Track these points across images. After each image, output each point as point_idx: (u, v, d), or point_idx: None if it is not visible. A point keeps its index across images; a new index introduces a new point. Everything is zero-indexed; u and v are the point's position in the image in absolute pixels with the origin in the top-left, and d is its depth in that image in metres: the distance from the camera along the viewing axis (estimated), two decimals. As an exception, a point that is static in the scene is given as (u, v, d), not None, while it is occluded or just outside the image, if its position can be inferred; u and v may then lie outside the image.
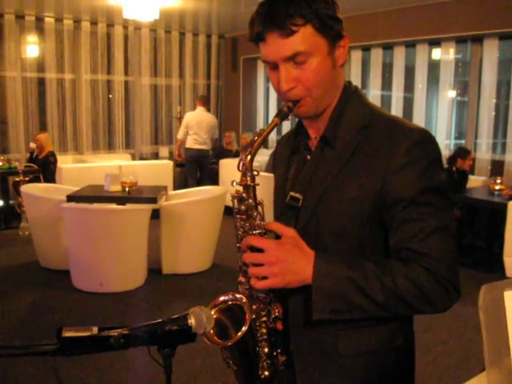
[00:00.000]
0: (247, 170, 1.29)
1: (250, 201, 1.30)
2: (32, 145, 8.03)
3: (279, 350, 1.39)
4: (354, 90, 1.40)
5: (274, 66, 1.30)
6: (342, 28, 1.31)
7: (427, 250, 1.23)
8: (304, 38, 1.24)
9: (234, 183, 1.31)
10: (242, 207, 1.31)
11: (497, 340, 0.92)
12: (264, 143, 1.33)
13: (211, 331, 1.24)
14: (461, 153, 6.69)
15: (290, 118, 1.34)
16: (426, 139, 1.28)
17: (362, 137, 1.31)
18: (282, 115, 1.30)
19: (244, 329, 1.26)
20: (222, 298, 1.31)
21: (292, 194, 1.39)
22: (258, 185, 1.31)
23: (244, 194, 1.30)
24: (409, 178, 1.25)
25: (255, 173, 1.30)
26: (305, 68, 1.27)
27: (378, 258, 1.31)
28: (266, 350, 1.36)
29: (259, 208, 1.31)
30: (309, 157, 1.42)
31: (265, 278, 1.25)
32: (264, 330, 1.35)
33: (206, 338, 1.24)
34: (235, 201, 1.33)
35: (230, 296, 1.31)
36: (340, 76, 1.37)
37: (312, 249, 1.29)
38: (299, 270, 1.25)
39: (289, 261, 1.24)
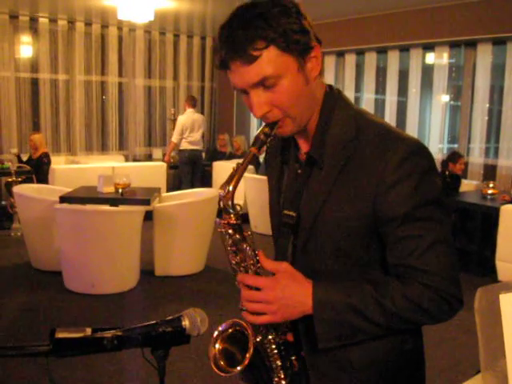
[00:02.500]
0: (228, 208, 1.26)
1: (237, 236, 1.28)
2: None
3: (294, 357, 1.38)
4: (336, 96, 1.34)
5: (245, 92, 1.24)
6: (311, 38, 1.22)
7: (425, 266, 1.21)
8: (269, 60, 1.16)
9: (218, 221, 1.29)
10: (230, 241, 1.29)
11: (492, 342, 0.92)
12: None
13: (221, 362, 1.24)
14: (452, 157, 6.71)
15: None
16: (415, 151, 1.24)
17: (350, 152, 1.26)
18: (259, 144, 1.24)
19: (250, 352, 1.26)
20: (220, 329, 1.31)
21: (286, 212, 1.37)
22: (240, 223, 1.28)
23: (230, 231, 1.28)
24: (401, 195, 1.21)
25: (238, 208, 1.28)
26: (276, 90, 1.20)
27: (377, 275, 1.30)
28: (279, 362, 1.36)
29: (248, 240, 1.29)
30: (300, 171, 1.38)
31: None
32: (273, 346, 1.35)
33: (218, 369, 1.25)
34: (224, 236, 1.30)
35: (226, 325, 1.32)
36: (317, 87, 1.30)
37: (312, 267, 1.29)
38: (298, 303, 1.24)
39: (286, 297, 1.23)
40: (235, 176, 1.25)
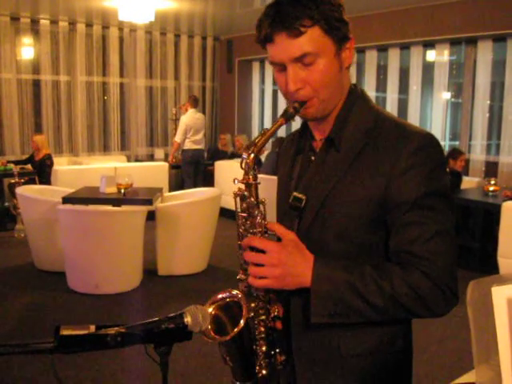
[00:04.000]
0: (250, 169, 1.29)
1: (252, 199, 1.30)
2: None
3: (278, 350, 1.39)
4: (359, 93, 1.40)
5: (281, 68, 1.30)
6: (349, 30, 1.31)
7: (427, 255, 1.23)
8: (312, 39, 1.24)
9: (236, 181, 1.32)
10: (244, 205, 1.31)
11: (485, 336, 0.94)
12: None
13: (208, 327, 1.25)
14: (453, 154, 6.71)
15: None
16: (431, 143, 1.29)
17: (368, 139, 1.31)
18: (287, 116, 1.30)
19: (241, 323, 1.27)
20: (220, 296, 1.33)
21: (295, 194, 1.39)
22: (259, 183, 1.31)
23: (246, 193, 1.31)
24: (412, 181, 1.25)
25: (257, 172, 1.31)
26: (312, 69, 1.27)
27: (378, 260, 1.32)
28: (264, 348, 1.36)
29: (261, 207, 1.31)
30: (313, 158, 1.42)
31: (264, 277, 1.26)
32: (262, 329, 1.36)
33: (204, 334, 1.26)
34: (237, 199, 1.33)
35: (228, 293, 1.33)
36: (346, 78, 1.37)
37: (314, 249, 1.29)
38: (299, 273, 1.26)
39: (289, 264, 1.25)
40: (260, 140, 1.29)
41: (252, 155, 1.28)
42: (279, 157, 1.62)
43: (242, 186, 1.31)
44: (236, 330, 1.27)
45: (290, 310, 1.39)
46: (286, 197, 1.45)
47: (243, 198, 1.31)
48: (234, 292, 1.33)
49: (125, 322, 1.22)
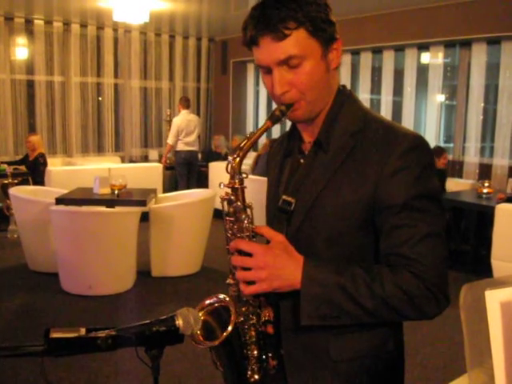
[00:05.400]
0: (235, 173, 1.28)
1: (239, 203, 1.29)
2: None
3: (270, 354, 1.38)
4: (348, 94, 1.39)
5: (267, 70, 1.29)
6: (335, 31, 1.30)
7: (417, 256, 1.22)
8: (297, 41, 1.23)
9: (222, 185, 1.31)
10: (231, 209, 1.30)
11: (478, 340, 0.93)
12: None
13: (198, 332, 1.24)
14: (435, 152, 6.72)
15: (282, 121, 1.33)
16: (419, 145, 1.28)
17: (356, 141, 1.30)
18: (274, 119, 1.29)
19: (229, 329, 1.26)
20: (207, 301, 1.32)
21: (284, 197, 1.38)
22: (245, 187, 1.30)
23: (232, 197, 1.29)
24: (402, 184, 1.24)
25: (244, 175, 1.29)
26: (298, 71, 1.26)
27: (368, 263, 1.30)
28: (256, 352, 1.35)
29: (248, 211, 1.30)
30: (302, 160, 1.41)
31: (253, 282, 1.25)
32: (253, 333, 1.35)
33: (193, 339, 1.25)
34: (224, 203, 1.32)
35: (215, 298, 1.32)
36: (334, 79, 1.36)
37: (304, 253, 1.28)
38: (287, 275, 1.24)
39: (277, 266, 1.23)
40: (246, 143, 1.27)
41: (238, 159, 1.27)
42: (269, 159, 1.61)
43: (229, 190, 1.30)
44: (224, 334, 1.27)
45: (279, 313, 1.38)
46: (275, 200, 1.43)
47: (230, 202, 1.30)
48: (222, 296, 1.32)
49: (118, 323, 1.21)
